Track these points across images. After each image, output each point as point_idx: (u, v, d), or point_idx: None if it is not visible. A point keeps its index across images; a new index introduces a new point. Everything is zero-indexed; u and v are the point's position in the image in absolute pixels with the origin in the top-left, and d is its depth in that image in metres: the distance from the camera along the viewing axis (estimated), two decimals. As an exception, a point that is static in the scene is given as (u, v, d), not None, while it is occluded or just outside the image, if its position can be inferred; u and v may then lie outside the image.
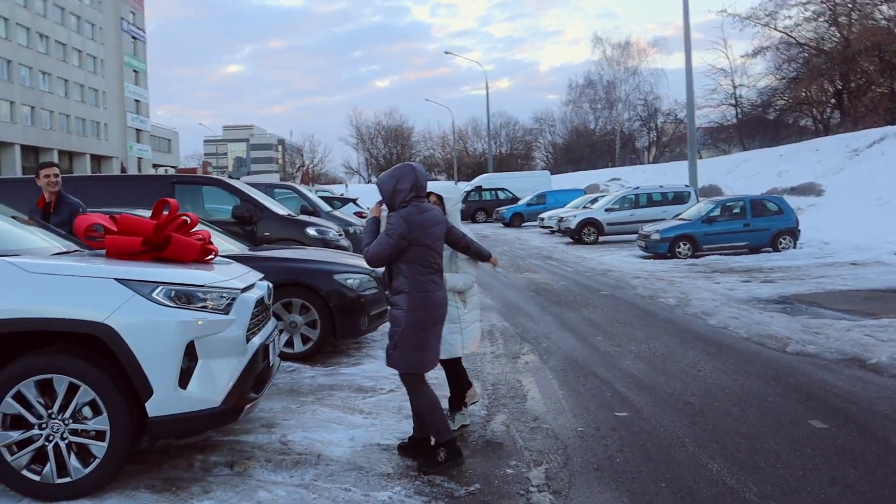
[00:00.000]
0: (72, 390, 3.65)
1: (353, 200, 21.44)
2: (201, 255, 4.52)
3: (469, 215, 38.72)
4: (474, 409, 5.37)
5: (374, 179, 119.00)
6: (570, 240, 22.82)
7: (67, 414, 3.66)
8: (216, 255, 4.71)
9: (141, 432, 3.78)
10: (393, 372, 6.39)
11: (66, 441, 3.67)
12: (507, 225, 33.21)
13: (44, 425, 3.66)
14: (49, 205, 6.23)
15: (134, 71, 73.22)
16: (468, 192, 41.05)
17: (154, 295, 3.73)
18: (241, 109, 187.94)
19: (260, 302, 4.44)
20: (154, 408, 3.67)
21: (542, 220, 27.79)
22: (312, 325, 6.88)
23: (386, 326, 8.04)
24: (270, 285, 4.98)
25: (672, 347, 7.45)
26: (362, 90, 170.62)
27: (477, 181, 43.97)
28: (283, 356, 6.70)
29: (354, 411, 5.36)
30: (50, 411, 3.66)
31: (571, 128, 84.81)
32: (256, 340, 4.28)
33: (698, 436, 4.75)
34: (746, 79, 64.87)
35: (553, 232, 25.58)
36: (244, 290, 4.22)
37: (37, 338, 3.73)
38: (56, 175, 6.33)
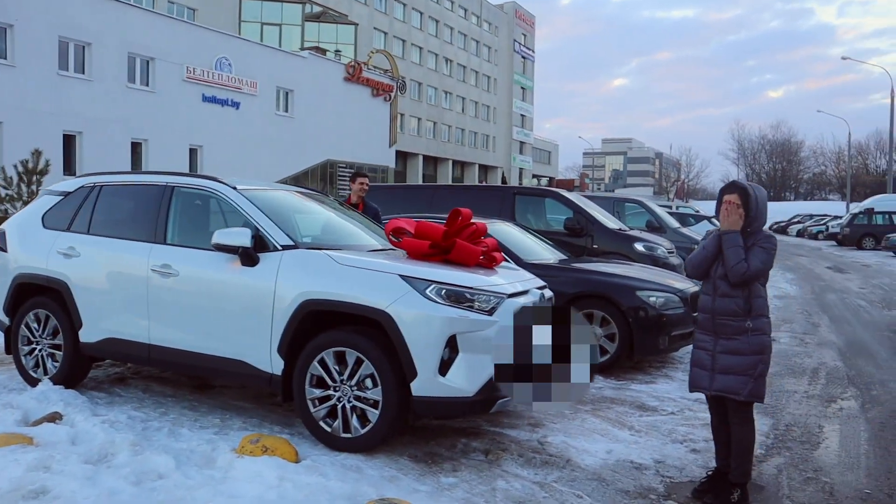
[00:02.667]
0: (358, 363, 4.42)
1: (709, 218, 20.63)
2: (487, 261, 5.05)
3: (854, 241, 34.43)
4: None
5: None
6: (978, 278, 19.06)
7: (353, 382, 4.45)
8: (499, 263, 5.19)
9: (406, 408, 4.40)
10: (681, 395, 6.39)
11: (351, 404, 4.46)
12: (900, 254, 28.71)
13: (337, 388, 4.50)
14: (356, 206, 7.60)
15: (522, 88, 79.18)
16: (855, 215, 36.50)
17: (427, 291, 4.33)
18: (626, 122, 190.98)
19: (529, 308, 4.79)
20: (417, 388, 4.28)
21: (942, 251, 23.58)
22: (612, 338, 7.04)
23: (688, 349, 7.90)
24: (549, 294, 5.31)
25: None
26: (753, 101, 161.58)
27: (869, 202, 38.71)
28: (579, 365, 7.00)
29: (624, 427, 5.42)
30: (342, 377, 4.48)
31: None
32: (520, 343, 4.64)
33: None
34: None
35: (955, 268, 21.61)
36: (512, 295, 4.62)
37: (335, 317, 4.58)
38: (367, 184, 7.91)
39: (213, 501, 3.71)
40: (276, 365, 4.69)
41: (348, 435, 4.47)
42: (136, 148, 27.46)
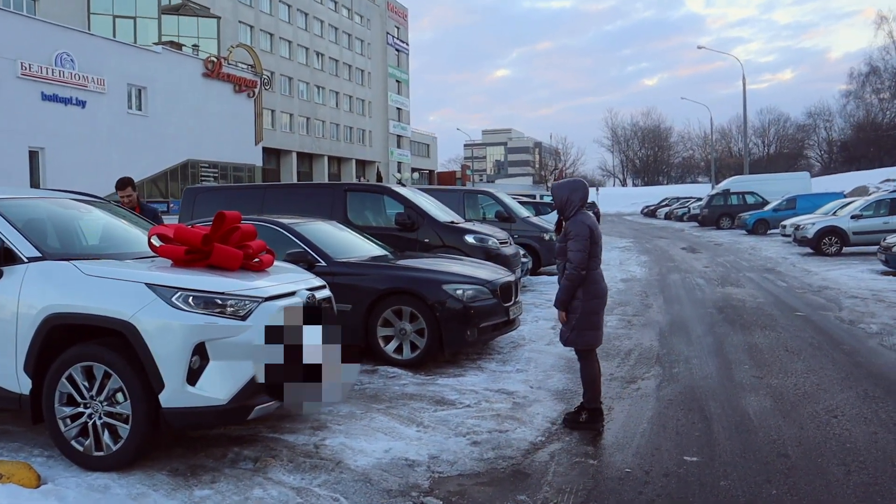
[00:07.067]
0: (106, 377, 4.20)
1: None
2: (257, 263, 4.91)
3: (713, 221, 36.52)
4: (528, 435, 5.18)
5: (630, 182, 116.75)
6: (811, 250, 20.34)
7: (103, 397, 4.22)
8: (268, 265, 5.05)
9: (158, 420, 4.21)
10: (485, 387, 6.47)
11: (102, 420, 4.23)
12: (750, 232, 30.49)
13: (87, 405, 4.25)
14: (133, 210, 7.26)
15: (397, 81, 79.18)
16: (712, 196, 38.67)
17: (173, 299, 4.15)
18: (508, 112, 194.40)
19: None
20: (166, 399, 4.10)
21: (784, 227, 25.20)
22: (421, 333, 7.02)
23: (507, 339, 8.08)
24: (325, 294, 5.23)
25: (826, 385, 6.46)
26: (630, 89, 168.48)
27: (725, 184, 41.14)
28: (392, 362, 6.98)
29: (413, 423, 5.39)
30: (91, 393, 4.24)
31: (853, 123, 76.20)
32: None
33: (764, 499, 4.09)
34: None
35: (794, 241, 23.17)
36: (271, 298, 4.50)
37: (83, 330, 4.32)
38: (129, 196, 7.66)
39: (-80, 541, 3.41)
40: (23, 384, 4.39)
41: (101, 453, 4.23)
42: (-33, 151, 25.50)
